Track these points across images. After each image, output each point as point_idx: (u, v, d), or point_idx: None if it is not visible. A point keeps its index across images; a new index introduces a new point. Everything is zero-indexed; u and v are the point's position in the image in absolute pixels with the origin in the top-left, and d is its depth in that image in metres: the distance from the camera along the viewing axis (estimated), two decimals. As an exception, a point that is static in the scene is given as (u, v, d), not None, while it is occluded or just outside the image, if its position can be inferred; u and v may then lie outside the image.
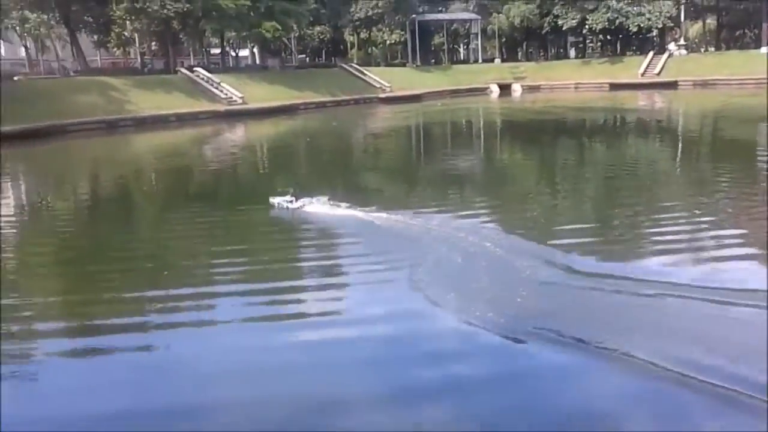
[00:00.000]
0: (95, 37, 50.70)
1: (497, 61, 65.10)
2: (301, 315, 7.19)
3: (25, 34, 48.43)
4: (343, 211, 11.80)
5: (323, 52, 73.20)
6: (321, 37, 66.49)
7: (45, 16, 44.88)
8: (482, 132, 31.26)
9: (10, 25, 45.85)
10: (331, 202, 12.20)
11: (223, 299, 7.79)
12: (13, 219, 14.08)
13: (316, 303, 7.49)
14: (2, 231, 12.59)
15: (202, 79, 42.96)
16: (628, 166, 17.55)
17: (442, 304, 7.09)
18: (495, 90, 56.58)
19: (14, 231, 12.78)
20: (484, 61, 65.89)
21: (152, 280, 8.57)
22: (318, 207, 12.05)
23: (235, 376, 5.82)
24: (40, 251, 10.73)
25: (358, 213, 11.56)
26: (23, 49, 52.14)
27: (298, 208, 12.08)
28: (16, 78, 40.01)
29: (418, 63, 63.50)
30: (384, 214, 11.29)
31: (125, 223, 12.92)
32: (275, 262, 9.26)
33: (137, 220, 13.50)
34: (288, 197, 12.25)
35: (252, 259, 9.48)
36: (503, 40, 68.16)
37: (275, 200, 12.42)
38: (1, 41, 50.52)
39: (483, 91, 56.26)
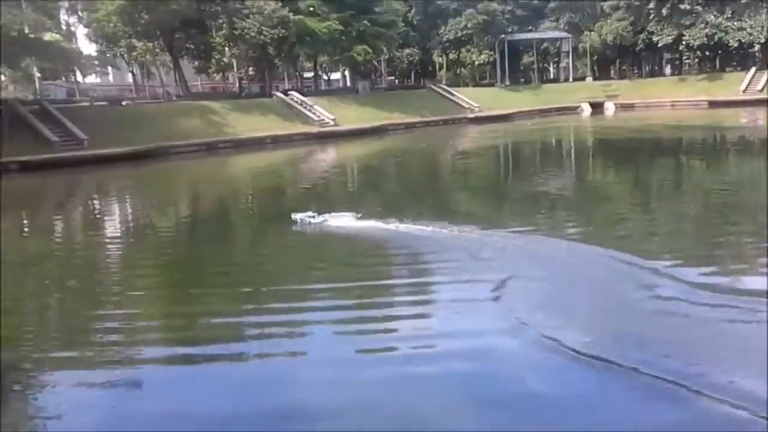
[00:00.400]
0: (196, 63, 53.13)
1: (589, 79, 64.03)
2: (393, 348, 6.98)
3: (133, 61, 51.27)
4: (365, 223, 12.73)
5: (412, 73, 74.04)
6: (410, 59, 67.34)
7: (150, 44, 47.43)
8: (573, 151, 30.83)
9: (118, 53, 48.67)
10: (357, 216, 13.17)
11: (315, 327, 7.75)
12: (119, 239, 14.83)
13: (407, 331, 7.36)
14: (109, 251, 13.39)
15: (296, 102, 44.32)
16: (730, 188, 16.95)
17: (542, 333, 6.79)
18: (586, 109, 55.61)
19: (120, 251, 13.43)
20: (575, 79, 64.93)
21: (249, 303, 8.68)
22: (340, 221, 13.03)
23: (329, 410, 5.72)
24: (143, 273, 11.03)
25: (380, 224, 12.41)
26: (130, 75, 55.26)
27: (320, 222, 13.04)
28: (124, 103, 42.45)
29: (507, 83, 63.25)
30: (452, 231, 11.57)
31: (223, 244, 13.26)
32: (367, 285, 9.21)
33: (235, 240, 13.90)
34: (310, 213, 13.39)
35: (344, 282, 9.45)
36: (595, 58, 67.03)
37: (297, 216, 13.39)
38: (110, 68, 53.53)
39: (574, 110, 55.41)
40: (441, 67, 69.80)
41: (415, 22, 62.32)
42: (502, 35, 62.98)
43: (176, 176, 28.36)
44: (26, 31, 31.24)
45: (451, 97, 54.35)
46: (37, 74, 34.38)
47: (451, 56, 67.57)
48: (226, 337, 7.57)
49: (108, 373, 6.67)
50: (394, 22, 52.47)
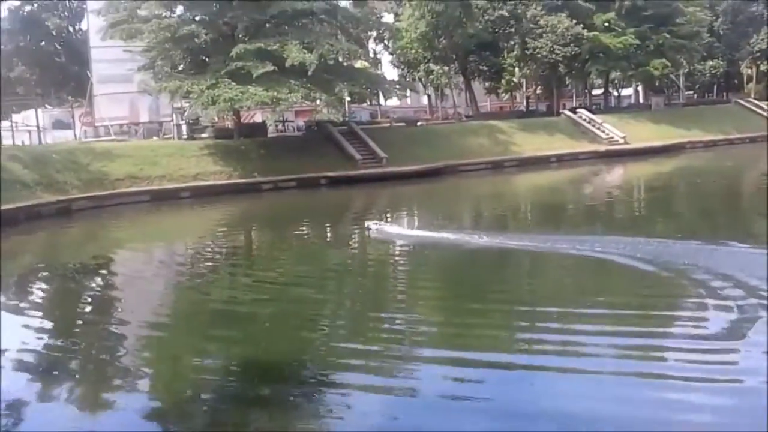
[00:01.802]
0: (487, 84, 55.01)
1: None
2: (667, 375, 6.82)
3: (429, 84, 54.67)
4: (421, 232, 16.37)
5: (714, 87, 68.12)
6: (713, 71, 62.00)
7: (446, 68, 50.17)
8: None
9: (417, 77, 52.32)
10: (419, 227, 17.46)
11: (592, 348, 7.73)
12: (406, 249, 15.93)
13: (688, 360, 7.12)
14: (395, 264, 14.58)
15: (584, 120, 43.54)
16: None
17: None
18: None
19: (406, 261, 14.63)
20: None
21: (524, 320, 8.98)
22: (401, 230, 17.20)
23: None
24: (427, 279, 12.06)
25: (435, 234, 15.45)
26: (425, 97, 58.99)
27: (383, 229, 16.57)
28: (419, 123, 45.41)
29: (835, 95, 55.16)
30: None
31: (502, 257, 13.64)
32: (640, 310, 9.03)
33: (513, 255, 13.99)
34: (376, 222, 17.17)
35: (617, 309, 9.32)
36: None
37: (369, 224, 16.91)
38: (409, 91, 57.56)
39: None
40: (750, 80, 63.22)
41: (721, 32, 57.37)
42: (832, 40, 55.12)
43: (463, 192, 29.68)
44: (340, 59, 35.13)
45: (762, 112, 49.01)
46: (347, 98, 38.32)
47: (762, 67, 60.84)
48: (498, 348, 7.94)
49: (389, 377, 7.32)
50: (698, 33, 48.89)
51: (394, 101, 54.91)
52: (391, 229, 17.07)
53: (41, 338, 9.24)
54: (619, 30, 45.20)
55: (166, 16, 32.18)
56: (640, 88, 60.22)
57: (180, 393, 7.30)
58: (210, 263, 15.42)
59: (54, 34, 58.96)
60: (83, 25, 50.99)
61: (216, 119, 36.12)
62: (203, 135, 35.35)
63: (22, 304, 11.84)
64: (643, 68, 46.79)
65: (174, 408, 6.84)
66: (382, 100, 50.22)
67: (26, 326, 9.86)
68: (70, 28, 59.61)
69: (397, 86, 43.06)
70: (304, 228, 20.80)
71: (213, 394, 7.24)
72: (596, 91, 60.38)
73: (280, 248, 17.01)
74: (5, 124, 34.21)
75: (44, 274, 15.11)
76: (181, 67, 33.43)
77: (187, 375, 7.86)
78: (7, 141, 31.29)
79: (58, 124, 42.30)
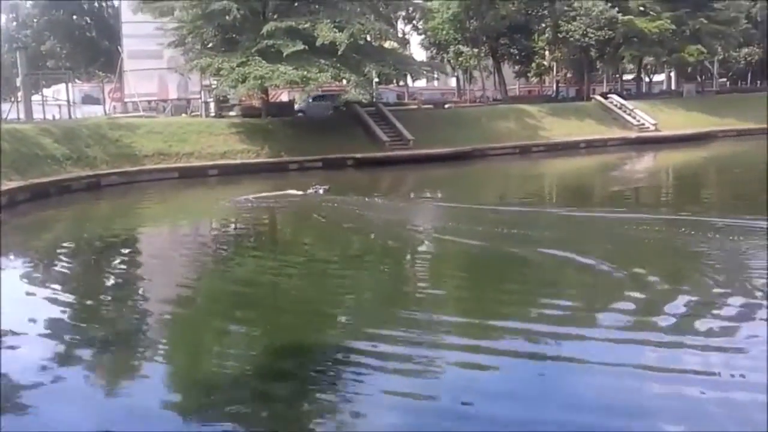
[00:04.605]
0: (516, 67, 54.33)
1: None
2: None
3: (457, 66, 54.10)
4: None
5: (748, 75, 66.66)
6: (748, 59, 60.57)
7: (476, 50, 49.64)
8: None
9: (446, 59, 51.77)
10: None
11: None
12: (429, 231, 15.84)
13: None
14: (417, 257, 14.44)
15: (615, 105, 42.96)
16: None
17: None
18: None
19: (431, 245, 14.46)
20: None
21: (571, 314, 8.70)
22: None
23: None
24: (447, 267, 12.10)
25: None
26: (454, 79, 58.45)
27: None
28: (446, 106, 45.02)
29: None
30: None
31: (524, 242, 13.02)
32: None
33: (537, 240, 13.27)
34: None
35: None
36: None
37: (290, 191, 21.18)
38: (437, 73, 57.00)
39: None
40: (788, 68, 61.66)
41: (758, 18, 55.94)
42: None
43: (490, 176, 29.51)
44: (369, 39, 34.83)
45: (799, 101, 47.79)
46: (375, 79, 38.06)
47: (802, 55, 59.29)
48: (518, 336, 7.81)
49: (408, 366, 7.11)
50: (736, 18, 47.69)
51: (421, 82, 54.46)
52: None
53: (65, 311, 9.36)
54: (655, 14, 44.26)
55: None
56: (672, 74, 59.14)
57: (202, 365, 7.42)
58: (233, 242, 15.53)
59: (85, 8, 59.47)
60: (114, 1, 51.32)
61: (244, 98, 36.13)
62: (231, 113, 35.42)
63: (48, 278, 12.01)
64: (677, 54, 45.92)
65: (195, 379, 6.91)
66: (409, 81, 49.91)
67: (52, 300, 10.00)
68: (102, 3, 60.02)
69: (426, 68, 42.72)
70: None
71: (235, 365, 7.28)
72: (627, 77, 59.46)
73: (303, 230, 17.08)
74: (36, 97, 34.54)
75: (71, 248, 15.28)
76: (211, 45, 33.45)
77: (209, 348, 7.94)
78: (37, 115, 31.64)
79: (88, 99, 42.63)
